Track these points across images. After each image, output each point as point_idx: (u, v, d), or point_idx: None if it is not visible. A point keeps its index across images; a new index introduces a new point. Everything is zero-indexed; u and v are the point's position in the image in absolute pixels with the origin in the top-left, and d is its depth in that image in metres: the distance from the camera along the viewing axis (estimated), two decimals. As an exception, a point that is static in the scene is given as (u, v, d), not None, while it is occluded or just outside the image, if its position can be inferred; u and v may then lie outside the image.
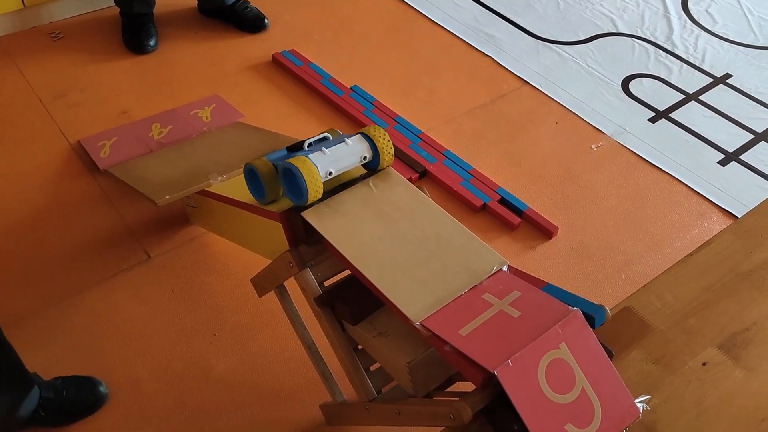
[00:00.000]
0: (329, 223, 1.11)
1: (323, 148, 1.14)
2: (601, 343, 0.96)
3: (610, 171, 2.01)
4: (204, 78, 2.18)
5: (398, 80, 2.23)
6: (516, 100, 2.20)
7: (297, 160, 1.09)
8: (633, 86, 2.29)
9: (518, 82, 2.27)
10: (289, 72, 2.24)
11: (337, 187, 1.17)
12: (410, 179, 1.92)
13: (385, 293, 1.01)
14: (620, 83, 2.29)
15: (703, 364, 1.00)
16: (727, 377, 0.98)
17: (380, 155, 1.17)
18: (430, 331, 0.95)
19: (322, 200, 1.14)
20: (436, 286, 1.02)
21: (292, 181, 1.11)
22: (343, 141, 1.16)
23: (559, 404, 0.89)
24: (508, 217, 1.84)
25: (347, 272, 1.15)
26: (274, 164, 1.16)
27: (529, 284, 1.02)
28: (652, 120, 2.18)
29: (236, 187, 1.38)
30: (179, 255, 1.64)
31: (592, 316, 0.95)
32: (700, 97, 2.27)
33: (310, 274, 1.13)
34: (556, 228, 1.83)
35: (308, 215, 1.11)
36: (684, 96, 2.27)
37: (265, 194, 1.17)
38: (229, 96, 2.11)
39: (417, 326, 0.96)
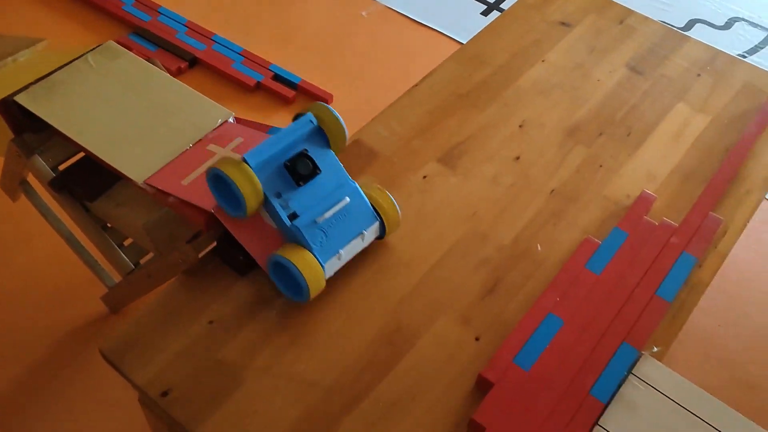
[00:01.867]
0: (48, 104, 1.07)
1: (340, 251, 0.91)
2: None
3: (381, 35, 2.07)
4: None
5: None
6: (282, -24, 2.18)
7: (307, 266, 0.87)
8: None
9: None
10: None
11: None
12: (179, 68, 1.88)
13: (110, 162, 1.01)
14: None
15: (424, 177, 1.08)
16: (444, 185, 1.07)
17: (387, 229, 0.97)
18: (154, 187, 0.97)
19: (38, 82, 1.09)
20: (162, 147, 1.02)
21: (290, 276, 0.89)
22: (361, 234, 0.93)
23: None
24: (283, 91, 1.86)
25: (82, 153, 1.13)
26: (266, 195, 0.89)
27: (253, 130, 1.05)
28: (416, -20, 2.24)
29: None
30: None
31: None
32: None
33: (40, 161, 1.10)
34: (331, 95, 1.87)
35: (22, 99, 1.07)
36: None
37: (245, 213, 0.88)
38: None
39: (142, 186, 0.97)
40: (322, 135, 0.95)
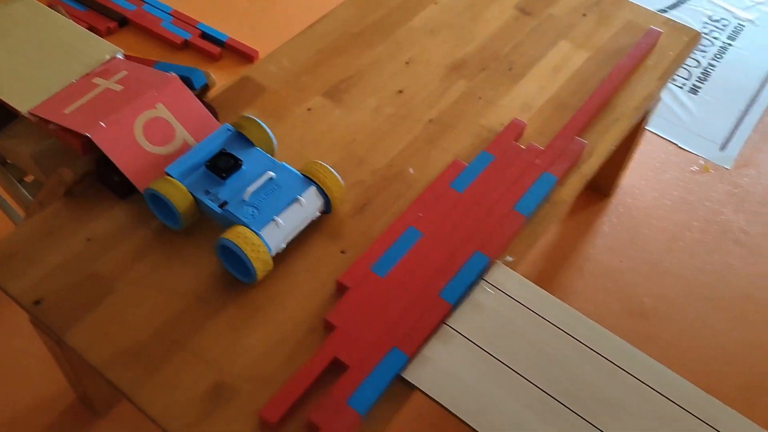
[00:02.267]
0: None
1: (275, 218, 0.92)
2: (206, 103, 1.07)
3: (308, -7, 2.11)
4: None
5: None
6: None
7: (245, 240, 0.88)
8: None
9: None
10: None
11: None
12: (108, 28, 1.91)
13: (-2, 96, 1.06)
14: None
15: (308, 109, 1.13)
16: (327, 116, 1.13)
17: (332, 202, 0.99)
18: (37, 116, 1.01)
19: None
20: (49, 80, 1.07)
21: (236, 258, 0.92)
22: (296, 200, 0.94)
23: (161, 155, 0.99)
24: (210, 48, 1.90)
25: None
26: (193, 194, 0.94)
27: (138, 64, 1.09)
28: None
29: None
30: None
31: (189, 78, 1.05)
32: None
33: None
34: (256, 52, 1.91)
35: None
36: None
37: (182, 225, 0.95)
38: None
39: (26, 115, 1.02)
40: (244, 138, 1.00)
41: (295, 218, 0.95)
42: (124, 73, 1.07)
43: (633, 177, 1.69)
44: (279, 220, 0.93)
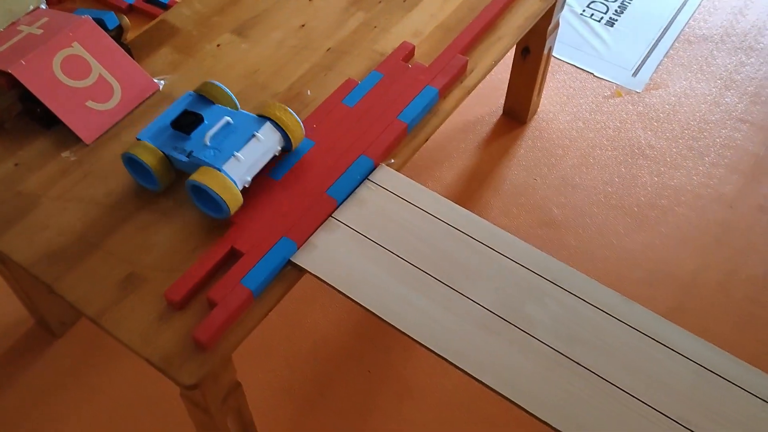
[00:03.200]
0: None
1: (236, 153, 0.99)
2: (122, 44, 1.19)
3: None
4: None
5: None
6: None
7: (210, 177, 0.96)
8: None
9: None
10: None
11: None
12: (54, -4, 2.02)
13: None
14: None
15: (218, 45, 1.25)
16: (234, 51, 1.24)
17: (292, 138, 1.05)
18: (-33, 61, 1.13)
19: None
20: (-22, 30, 1.18)
21: (207, 197, 1.00)
22: (253, 136, 1.01)
23: (79, 88, 1.11)
24: (154, 11, 2.01)
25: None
26: (164, 152, 1.02)
27: (58, 11, 1.21)
28: None
29: None
30: None
31: (103, 20, 1.17)
32: None
33: None
34: (196, 11, 2.02)
35: None
36: None
37: (159, 184, 1.03)
38: None
39: (-42, 61, 1.14)
40: (207, 99, 1.08)
41: (255, 153, 1.02)
42: (45, 19, 1.18)
43: (549, 105, 1.80)
44: (239, 155, 1.00)
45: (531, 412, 0.86)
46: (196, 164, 1.01)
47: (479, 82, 1.23)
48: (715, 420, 0.85)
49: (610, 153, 1.70)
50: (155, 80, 1.19)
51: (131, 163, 1.04)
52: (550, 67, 1.79)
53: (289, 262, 0.98)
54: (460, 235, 1.01)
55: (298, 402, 1.32)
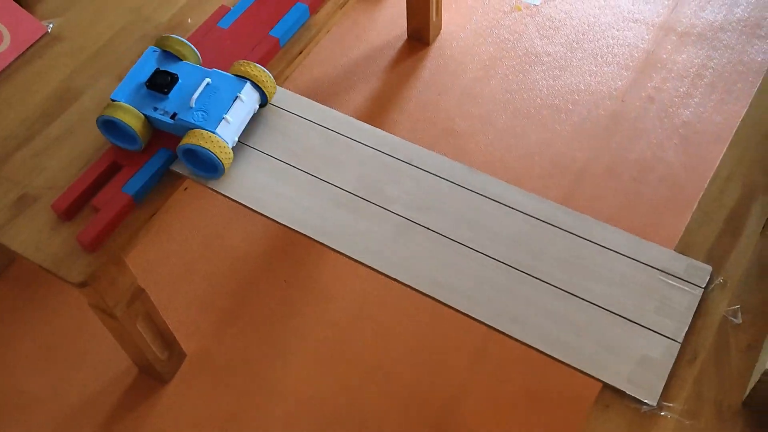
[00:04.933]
0: None
1: (225, 116, 1.02)
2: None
3: None
4: None
5: None
6: None
7: (206, 140, 0.99)
8: None
9: None
10: None
11: None
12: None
13: None
14: None
15: (104, -12, 1.32)
16: (118, -9, 1.32)
17: (267, 93, 1.09)
18: None
19: None
20: None
21: (200, 158, 1.02)
22: (237, 97, 1.04)
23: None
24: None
25: None
26: (144, 114, 1.04)
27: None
28: None
29: None
30: None
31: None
32: None
33: None
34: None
35: None
36: None
37: (141, 144, 1.05)
38: None
39: None
40: (172, 55, 1.10)
41: (241, 113, 1.05)
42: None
43: (451, 25, 1.88)
44: (228, 117, 1.03)
45: (379, 270, 0.96)
46: (185, 127, 1.03)
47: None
48: (539, 258, 0.95)
49: (508, 63, 1.78)
50: (44, 23, 1.26)
51: (108, 125, 1.04)
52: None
53: (170, 171, 1.08)
54: (335, 137, 1.09)
55: (219, 314, 1.43)
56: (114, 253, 1.02)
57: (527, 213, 0.99)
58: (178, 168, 1.07)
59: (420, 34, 1.83)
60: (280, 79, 1.20)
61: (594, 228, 0.98)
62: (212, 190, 1.05)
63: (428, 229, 0.99)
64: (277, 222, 1.01)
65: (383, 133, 1.10)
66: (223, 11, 1.26)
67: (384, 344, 1.38)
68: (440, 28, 1.86)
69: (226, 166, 1.02)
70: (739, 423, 0.81)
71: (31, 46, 1.25)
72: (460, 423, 1.29)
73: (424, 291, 0.94)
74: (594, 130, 1.64)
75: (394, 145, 1.08)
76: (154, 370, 1.31)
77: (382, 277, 0.96)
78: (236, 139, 1.06)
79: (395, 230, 0.99)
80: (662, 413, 0.82)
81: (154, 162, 1.06)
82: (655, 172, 1.56)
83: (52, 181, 1.07)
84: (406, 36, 1.86)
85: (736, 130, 1.06)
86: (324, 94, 1.77)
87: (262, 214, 1.02)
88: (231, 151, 1.03)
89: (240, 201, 1.04)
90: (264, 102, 1.11)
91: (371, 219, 1.00)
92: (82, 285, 0.99)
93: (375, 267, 0.96)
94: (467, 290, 0.93)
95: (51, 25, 1.27)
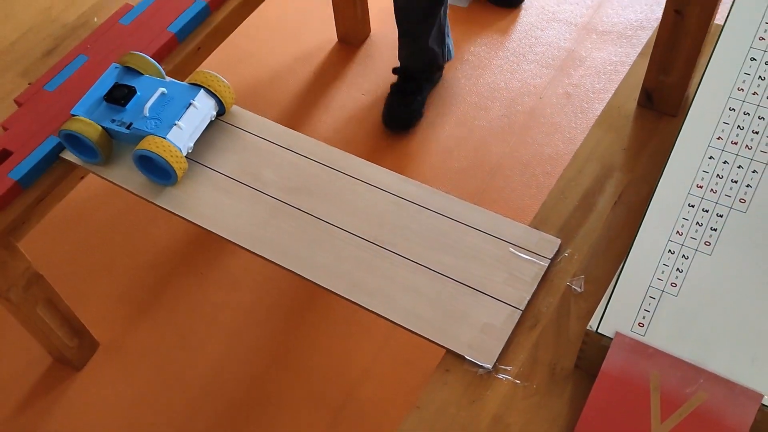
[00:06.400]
0: None
1: (177, 122, 1.05)
2: None
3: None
4: None
5: None
6: None
7: (157, 146, 1.02)
8: None
9: None
10: None
11: None
12: None
13: None
14: None
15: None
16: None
17: (224, 102, 1.11)
18: None
19: None
20: None
21: (152, 164, 1.05)
22: (190, 104, 1.07)
23: None
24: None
25: None
26: (102, 126, 1.07)
27: None
28: None
29: None
30: None
31: None
32: None
33: None
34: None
35: None
36: None
37: (101, 156, 1.08)
38: None
39: None
40: (134, 71, 1.13)
41: (194, 120, 1.08)
42: None
43: (381, 27, 1.93)
44: (180, 123, 1.06)
45: (249, 249, 0.99)
46: (139, 135, 1.06)
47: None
48: (400, 234, 0.98)
49: (434, 63, 1.83)
50: (-45, 23, 1.32)
51: (69, 138, 1.08)
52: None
53: (60, 159, 1.12)
54: (228, 127, 1.14)
55: (135, 305, 1.47)
56: (1, 236, 1.06)
57: (393, 193, 1.03)
58: (68, 156, 1.11)
59: (349, 36, 1.88)
60: (181, 75, 1.25)
61: (456, 207, 1.01)
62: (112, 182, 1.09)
63: (298, 209, 1.03)
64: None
65: (264, 120, 1.14)
66: (126, 9, 1.31)
67: (290, 331, 1.41)
68: (368, 31, 1.91)
69: (177, 170, 1.03)
70: (569, 384, 0.84)
71: (-59, 43, 1.30)
72: (358, 406, 1.32)
73: (284, 266, 0.97)
74: (511, 127, 1.68)
75: (273, 131, 1.12)
76: (64, 358, 1.35)
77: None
78: (191, 145, 1.07)
79: (264, 210, 1.03)
80: (498, 375, 0.85)
81: (41, 149, 1.10)
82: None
83: (-54, 170, 1.12)
84: (336, 39, 1.92)
85: (601, 113, 1.09)
86: (255, 95, 1.81)
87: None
88: (182, 156, 1.04)
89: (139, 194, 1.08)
90: (222, 111, 1.13)
91: (240, 198, 1.04)
92: (-35, 265, 1.03)
93: (245, 246, 1.00)
94: (327, 265, 0.97)
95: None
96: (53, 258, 1.52)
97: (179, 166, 1.04)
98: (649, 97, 1.06)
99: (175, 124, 1.05)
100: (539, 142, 1.64)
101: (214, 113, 1.11)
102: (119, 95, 1.09)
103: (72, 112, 1.09)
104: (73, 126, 1.05)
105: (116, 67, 1.14)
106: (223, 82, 1.11)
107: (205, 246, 1.54)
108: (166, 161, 1.02)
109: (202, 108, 1.09)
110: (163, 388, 1.36)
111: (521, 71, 1.79)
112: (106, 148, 1.08)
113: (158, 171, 1.06)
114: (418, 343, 0.92)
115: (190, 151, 1.08)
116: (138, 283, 1.50)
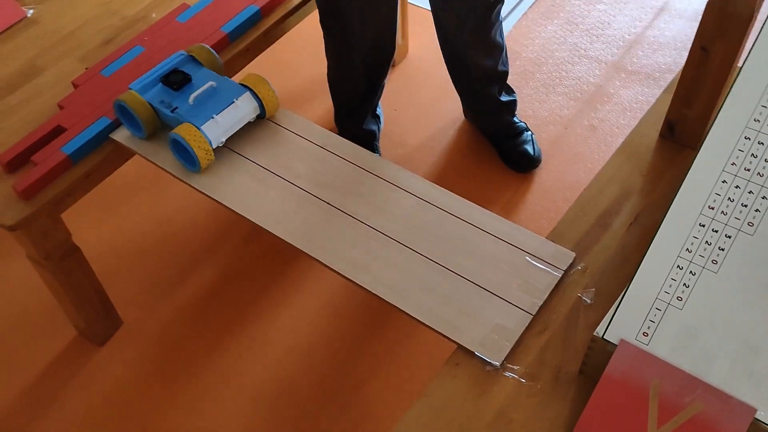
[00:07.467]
0: None
1: (215, 116, 1.11)
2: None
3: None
4: None
5: None
6: None
7: (188, 133, 1.08)
8: None
9: None
10: None
11: None
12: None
13: None
14: None
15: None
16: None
17: (266, 107, 1.17)
18: None
19: None
20: None
21: (183, 149, 1.11)
22: (233, 102, 1.13)
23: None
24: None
25: None
26: (151, 104, 1.14)
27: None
28: None
29: None
30: None
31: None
32: None
33: None
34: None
35: None
36: None
37: (144, 132, 1.15)
38: None
39: None
40: (196, 61, 1.20)
41: (232, 117, 1.14)
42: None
43: (416, 49, 2.00)
44: (217, 117, 1.12)
45: (277, 234, 1.05)
46: (179, 120, 1.13)
47: (304, 2, 1.43)
48: (424, 236, 1.04)
49: (466, 87, 1.90)
50: (25, 8, 1.40)
51: (121, 109, 1.16)
52: (410, 13, 1.99)
53: (110, 139, 1.19)
54: (267, 123, 1.20)
55: (161, 290, 1.52)
56: (48, 205, 1.13)
57: (420, 197, 1.09)
58: (117, 136, 1.18)
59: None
60: (228, 72, 1.32)
61: (479, 215, 1.07)
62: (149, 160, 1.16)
63: (327, 203, 1.09)
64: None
65: (307, 122, 1.20)
66: (183, 8, 1.39)
67: (307, 328, 1.46)
68: (406, 51, 1.98)
69: (201, 161, 1.09)
70: (572, 387, 0.88)
71: (11, 26, 1.38)
72: (364, 402, 1.36)
73: (310, 253, 1.03)
74: (536, 153, 1.74)
75: (311, 130, 1.18)
76: (88, 332, 1.40)
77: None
78: (223, 140, 1.13)
79: (293, 200, 1.09)
80: (505, 373, 0.90)
81: (93, 128, 1.17)
82: (588, 195, 1.65)
83: (4, 140, 1.19)
84: (374, 56, 1.99)
85: (624, 141, 1.15)
86: (296, 102, 1.89)
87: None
88: (211, 148, 1.10)
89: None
90: (263, 115, 1.18)
91: (272, 187, 1.11)
92: (12, 229, 1.10)
93: (273, 231, 1.06)
94: (352, 258, 1.02)
95: (31, 11, 1.41)
96: (91, 235, 1.59)
97: (205, 156, 1.09)
98: (672, 128, 1.11)
99: (212, 117, 1.12)
100: (561, 169, 1.70)
101: (254, 116, 1.17)
102: (174, 80, 1.16)
103: (130, 87, 1.17)
104: (126, 98, 1.13)
105: (181, 54, 1.21)
106: (270, 88, 1.16)
107: (233, 242, 1.60)
108: (193, 150, 1.08)
109: (243, 108, 1.15)
110: (175, 374, 1.41)
111: (549, 101, 1.84)
112: (150, 125, 1.14)
113: (187, 156, 1.12)
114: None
115: (221, 144, 1.13)
116: (167, 270, 1.56)
